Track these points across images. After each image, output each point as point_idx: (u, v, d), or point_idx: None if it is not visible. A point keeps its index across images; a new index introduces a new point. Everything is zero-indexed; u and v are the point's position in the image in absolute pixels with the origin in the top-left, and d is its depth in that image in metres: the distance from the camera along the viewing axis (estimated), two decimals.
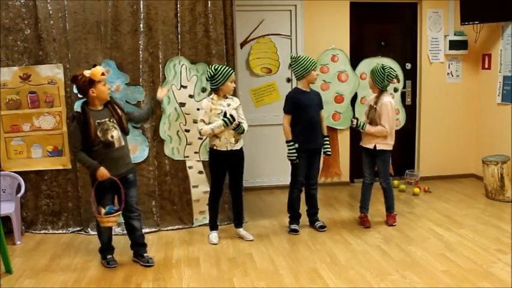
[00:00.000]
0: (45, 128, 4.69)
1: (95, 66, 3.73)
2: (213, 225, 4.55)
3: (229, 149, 4.28)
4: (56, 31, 4.57)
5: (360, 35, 6.24)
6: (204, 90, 4.77)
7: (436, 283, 3.58)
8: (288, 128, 4.50)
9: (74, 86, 3.77)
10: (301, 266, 3.93)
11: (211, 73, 4.19)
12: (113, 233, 4.25)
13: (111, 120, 3.76)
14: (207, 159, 4.56)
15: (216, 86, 4.23)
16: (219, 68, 4.20)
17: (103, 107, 3.78)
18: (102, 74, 3.68)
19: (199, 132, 4.31)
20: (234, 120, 4.20)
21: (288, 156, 4.50)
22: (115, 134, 3.76)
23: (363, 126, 4.60)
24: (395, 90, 6.17)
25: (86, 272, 3.89)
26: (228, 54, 4.83)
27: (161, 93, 4.18)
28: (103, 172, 3.67)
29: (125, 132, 3.86)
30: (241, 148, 4.40)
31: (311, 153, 4.58)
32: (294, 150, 4.46)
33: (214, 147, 4.31)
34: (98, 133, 3.67)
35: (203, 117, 4.25)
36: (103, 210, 3.75)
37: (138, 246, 4.04)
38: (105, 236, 3.99)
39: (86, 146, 3.69)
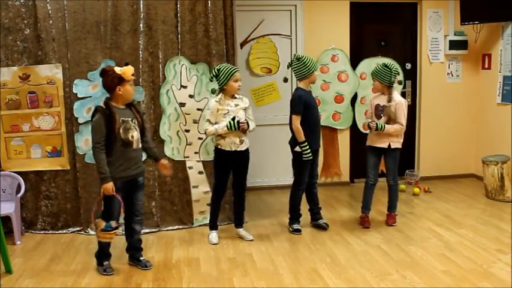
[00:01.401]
0: (44, 128, 4.69)
1: (127, 64, 3.73)
2: (213, 225, 4.54)
3: (233, 149, 4.27)
4: (55, 31, 4.56)
5: (360, 35, 6.24)
6: (213, 91, 4.75)
7: (436, 283, 3.58)
8: (300, 129, 4.37)
9: (101, 80, 3.71)
10: (301, 266, 3.93)
11: (215, 73, 4.21)
12: None
13: (133, 121, 3.77)
14: (207, 160, 4.55)
15: (220, 86, 4.25)
16: (221, 68, 4.20)
17: (125, 106, 3.78)
18: (132, 74, 3.70)
19: (205, 132, 4.32)
20: (238, 126, 4.15)
21: (304, 157, 4.40)
22: (135, 134, 3.76)
23: (382, 127, 4.50)
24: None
25: (86, 272, 3.88)
26: (228, 54, 4.83)
27: (167, 170, 4.07)
28: (109, 188, 3.63)
29: (143, 136, 3.87)
30: (247, 149, 4.37)
31: (315, 153, 4.56)
32: (309, 150, 4.41)
33: (219, 147, 4.31)
34: (120, 131, 3.67)
35: (209, 118, 4.25)
36: (102, 224, 3.72)
37: (135, 250, 4.01)
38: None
39: (107, 142, 3.64)
